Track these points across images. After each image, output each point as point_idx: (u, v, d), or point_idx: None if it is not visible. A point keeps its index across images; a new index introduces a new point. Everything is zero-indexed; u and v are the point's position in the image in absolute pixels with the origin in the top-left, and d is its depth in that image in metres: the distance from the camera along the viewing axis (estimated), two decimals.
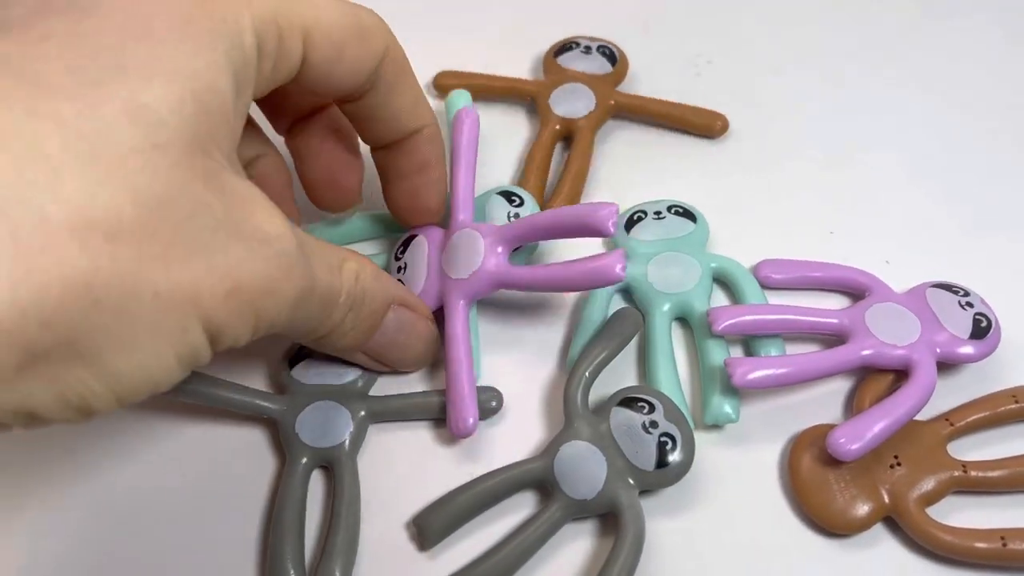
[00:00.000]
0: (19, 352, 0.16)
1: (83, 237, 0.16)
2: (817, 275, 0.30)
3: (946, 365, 0.27)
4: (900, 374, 0.27)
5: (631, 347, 0.29)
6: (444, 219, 0.30)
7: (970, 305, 0.28)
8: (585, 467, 0.25)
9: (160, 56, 0.18)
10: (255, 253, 0.19)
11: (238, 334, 0.19)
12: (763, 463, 0.26)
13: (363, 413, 0.27)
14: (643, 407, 0.25)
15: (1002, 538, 0.24)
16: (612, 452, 0.25)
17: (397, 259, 0.29)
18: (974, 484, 0.25)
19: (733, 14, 0.40)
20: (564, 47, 0.37)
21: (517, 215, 0.30)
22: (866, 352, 0.27)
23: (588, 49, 0.36)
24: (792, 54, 0.38)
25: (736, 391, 0.27)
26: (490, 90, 0.36)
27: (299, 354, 0.28)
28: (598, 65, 0.36)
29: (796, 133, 0.35)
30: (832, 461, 0.25)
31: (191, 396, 0.27)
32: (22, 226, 0.15)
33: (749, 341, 0.28)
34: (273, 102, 0.28)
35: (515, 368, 0.29)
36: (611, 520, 0.25)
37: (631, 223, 0.31)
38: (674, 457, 0.25)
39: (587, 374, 0.27)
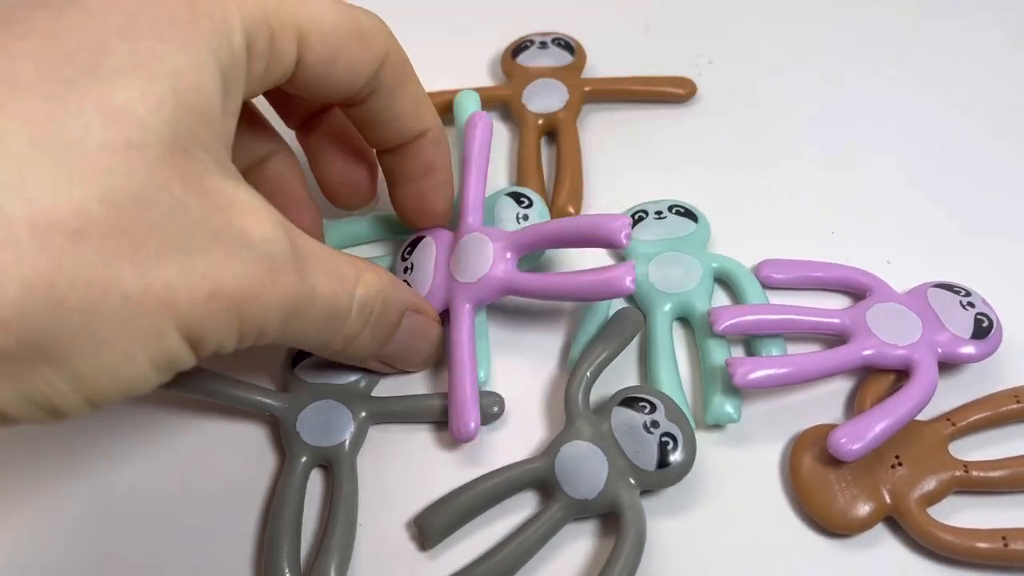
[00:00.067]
0: None
1: (44, 236, 0.16)
2: (818, 275, 0.30)
3: (947, 365, 0.27)
4: (901, 374, 0.27)
5: (632, 347, 0.29)
6: (452, 222, 0.29)
7: (971, 305, 0.28)
8: (586, 467, 0.25)
9: (141, 54, 0.18)
10: (237, 256, 0.19)
11: (222, 340, 0.19)
12: (764, 463, 0.26)
13: (364, 414, 0.27)
14: (644, 407, 0.25)
15: (1003, 538, 0.24)
16: (613, 452, 0.25)
17: (404, 259, 0.29)
18: (975, 484, 0.25)
19: (733, 14, 0.40)
20: (520, 47, 0.37)
21: (526, 216, 0.30)
22: (867, 352, 0.27)
23: (544, 44, 0.37)
24: (793, 54, 0.38)
25: (737, 391, 0.27)
26: None
27: (302, 352, 0.28)
28: (558, 58, 0.37)
29: (796, 133, 0.35)
30: (833, 461, 0.25)
31: (193, 391, 0.27)
32: None
33: (750, 341, 0.28)
34: (283, 100, 0.28)
35: (516, 368, 0.29)
36: (612, 520, 0.25)
37: (632, 223, 0.31)
38: (675, 457, 0.25)
39: (588, 374, 0.27)
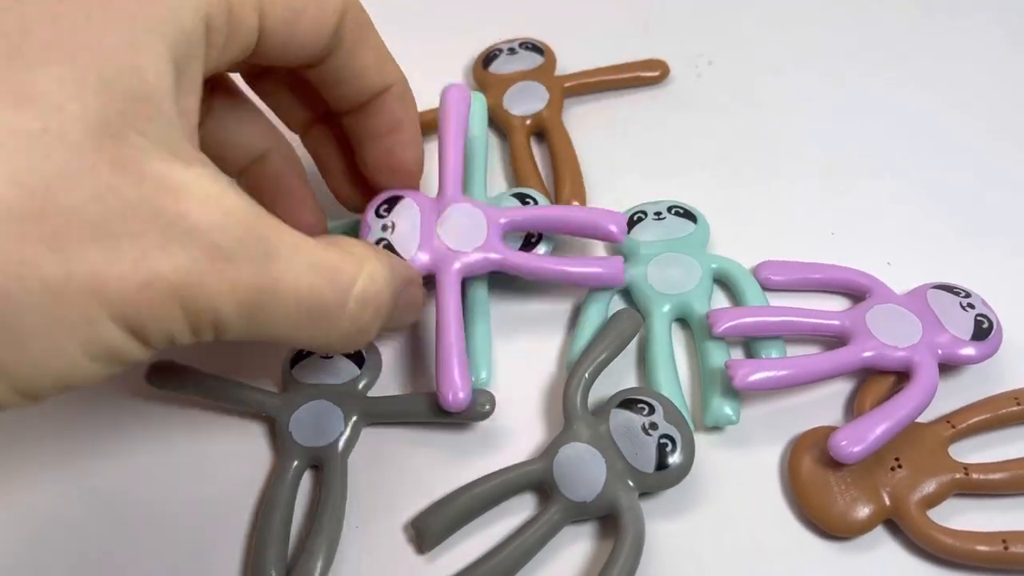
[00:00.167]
0: None
1: None
2: (818, 277, 0.30)
3: (948, 367, 0.27)
4: (901, 376, 0.27)
5: (631, 348, 0.29)
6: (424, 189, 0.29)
7: (972, 306, 0.27)
8: (584, 469, 0.25)
9: (65, 39, 0.17)
10: (177, 242, 0.17)
11: (171, 331, 0.18)
12: (763, 465, 0.26)
13: (357, 415, 0.27)
14: (643, 408, 0.25)
15: (1004, 541, 0.24)
16: (612, 454, 0.25)
17: (380, 216, 0.27)
18: (976, 486, 0.25)
19: (733, 14, 0.40)
20: (489, 56, 0.37)
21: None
22: (867, 354, 0.27)
23: (513, 50, 0.37)
24: (792, 54, 0.38)
25: (736, 393, 0.27)
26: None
27: (301, 352, 0.28)
28: (529, 61, 0.37)
29: (796, 133, 0.35)
30: (833, 463, 0.25)
31: (189, 390, 0.27)
32: None
33: (750, 342, 0.28)
34: (284, 103, 0.28)
35: (514, 369, 0.28)
36: (611, 522, 0.25)
37: (631, 224, 0.31)
38: (674, 459, 0.25)
39: (587, 375, 0.26)
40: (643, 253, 0.30)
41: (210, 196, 0.18)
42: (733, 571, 0.24)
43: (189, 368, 0.27)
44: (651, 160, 0.34)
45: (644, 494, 0.25)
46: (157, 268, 0.17)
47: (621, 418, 0.25)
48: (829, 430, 0.25)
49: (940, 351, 0.27)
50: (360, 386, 0.28)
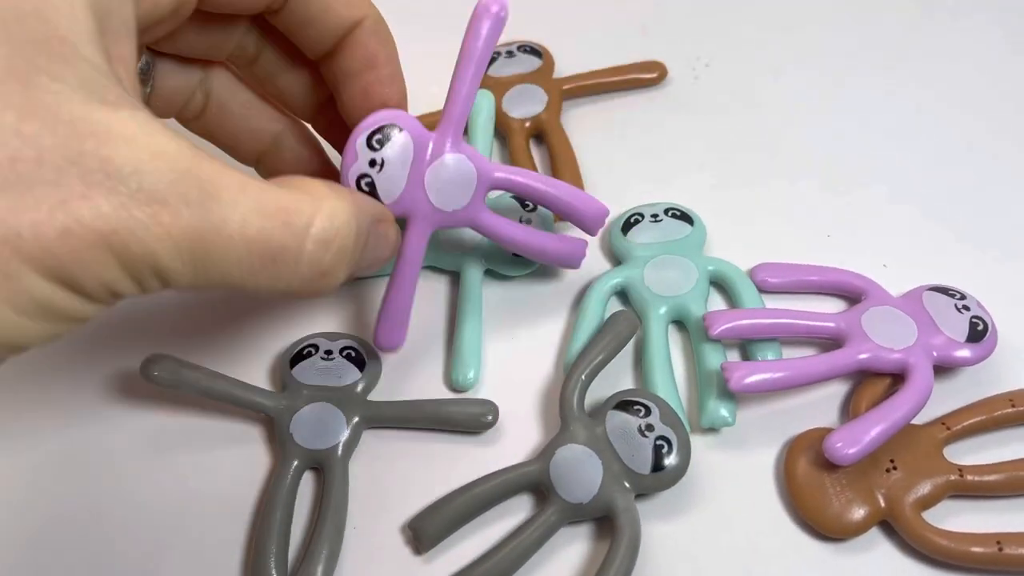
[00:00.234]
0: None
1: None
2: (813, 279, 0.30)
3: (943, 369, 0.27)
4: (897, 378, 0.27)
5: (628, 350, 0.29)
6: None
7: (967, 308, 0.27)
8: (581, 470, 0.25)
9: None
10: (100, 188, 0.17)
11: (108, 281, 0.17)
12: (759, 467, 0.26)
13: (358, 418, 0.27)
14: (639, 410, 0.25)
15: (998, 542, 0.24)
16: (608, 455, 0.25)
17: (372, 148, 0.25)
18: (970, 488, 0.25)
19: (731, 17, 0.40)
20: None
21: (529, 220, 0.30)
22: (863, 356, 0.27)
23: (511, 53, 0.37)
24: (790, 56, 0.38)
25: (732, 395, 0.27)
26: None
27: (300, 353, 0.28)
28: (527, 64, 0.37)
29: (793, 135, 0.35)
30: (828, 465, 0.25)
31: (189, 388, 0.27)
32: None
33: (746, 345, 0.28)
34: (288, 92, 0.28)
35: (511, 371, 0.29)
36: (607, 524, 0.25)
37: (628, 225, 0.31)
38: (670, 460, 0.25)
39: (583, 377, 0.27)
40: (640, 255, 0.30)
41: (137, 138, 0.17)
42: (729, 572, 0.25)
43: (185, 363, 0.27)
44: (649, 162, 0.35)
45: (640, 495, 0.25)
46: (77, 215, 0.16)
47: (617, 420, 0.25)
48: (825, 432, 0.25)
49: (935, 353, 0.27)
50: (360, 389, 0.28)
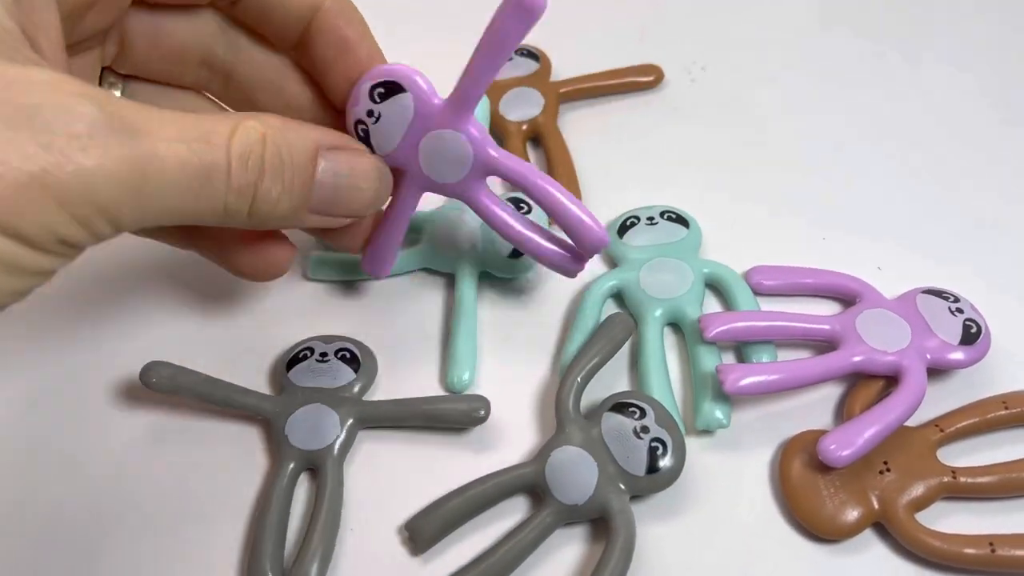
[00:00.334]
0: None
1: None
2: (808, 281, 0.30)
3: (936, 371, 0.27)
4: (890, 380, 0.27)
5: (624, 352, 0.29)
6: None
7: (960, 311, 0.28)
8: (576, 472, 0.25)
9: None
10: (24, 131, 0.17)
11: (52, 225, 0.17)
12: (754, 468, 0.27)
13: (353, 418, 0.27)
14: (634, 412, 0.26)
15: (991, 544, 0.24)
16: (603, 457, 0.25)
17: (373, 100, 0.25)
18: (963, 490, 0.25)
19: (727, 21, 0.40)
20: None
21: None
22: (857, 358, 0.27)
23: (508, 56, 0.37)
24: (785, 61, 0.38)
25: (727, 397, 0.27)
26: None
27: (296, 356, 0.28)
28: (525, 67, 0.37)
29: (789, 139, 0.35)
30: (822, 467, 0.25)
31: (186, 392, 0.27)
32: None
33: (741, 347, 0.28)
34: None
35: (507, 373, 0.29)
36: (602, 525, 0.25)
37: (624, 228, 0.31)
38: (665, 462, 0.25)
39: (579, 379, 0.27)
40: (636, 258, 0.30)
41: (55, 86, 0.18)
42: (723, 573, 0.25)
43: (184, 369, 0.27)
44: (645, 165, 0.35)
45: (635, 497, 0.25)
46: (4, 157, 0.16)
47: (613, 422, 0.26)
48: (819, 434, 0.25)
49: (929, 356, 0.27)
50: (356, 390, 0.28)
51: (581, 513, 0.25)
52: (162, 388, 0.27)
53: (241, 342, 0.30)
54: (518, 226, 0.27)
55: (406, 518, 0.26)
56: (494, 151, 0.26)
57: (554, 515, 0.25)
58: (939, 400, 0.27)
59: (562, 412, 0.26)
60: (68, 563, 0.25)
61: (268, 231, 0.27)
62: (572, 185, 0.33)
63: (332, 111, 0.27)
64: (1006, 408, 0.26)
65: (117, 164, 0.18)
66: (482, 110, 0.33)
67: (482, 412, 0.27)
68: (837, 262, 0.30)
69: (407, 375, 0.29)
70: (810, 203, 0.33)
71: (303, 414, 0.27)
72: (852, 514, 0.25)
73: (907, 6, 0.40)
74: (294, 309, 0.31)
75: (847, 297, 0.30)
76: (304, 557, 0.25)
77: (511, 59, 0.37)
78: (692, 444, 0.26)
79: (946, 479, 0.25)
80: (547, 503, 0.25)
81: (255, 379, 0.29)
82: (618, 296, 0.30)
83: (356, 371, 0.28)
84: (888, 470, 0.25)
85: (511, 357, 0.29)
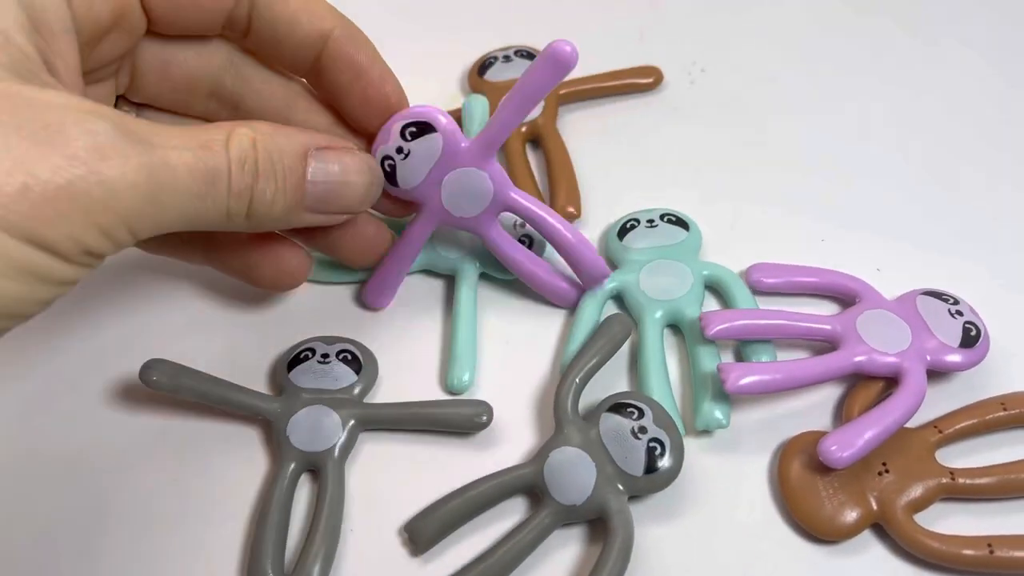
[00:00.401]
0: None
1: None
2: (807, 280, 0.30)
3: (936, 373, 0.27)
4: (890, 381, 0.27)
5: (623, 354, 0.29)
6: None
7: (960, 313, 0.28)
8: (574, 473, 0.25)
9: None
10: (49, 146, 0.18)
11: (79, 236, 0.18)
12: (753, 469, 0.27)
13: (354, 420, 0.27)
14: (632, 412, 0.26)
15: (989, 545, 0.24)
16: (601, 458, 0.25)
17: (404, 139, 0.27)
18: (962, 491, 0.25)
19: (727, 22, 0.40)
20: (485, 64, 0.37)
21: (524, 223, 0.30)
22: (857, 359, 0.27)
23: (508, 58, 0.37)
24: (785, 62, 0.38)
25: (727, 397, 0.27)
26: None
27: (297, 357, 0.28)
28: (524, 68, 0.37)
29: (788, 140, 0.35)
30: (821, 468, 0.25)
31: (188, 393, 0.27)
32: None
33: (740, 347, 0.28)
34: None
35: (506, 374, 0.29)
36: (600, 525, 0.25)
37: (624, 231, 0.31)
38: (663, 463, 0.25)
39: (577, 380, 0.27)
40: (635, 260, 0.30)
41: (70, 106, 0.19)
42: (722, 574, 0.25)
43: (185, 368, 0.27)
44: (644, 167, 0.35)
45: (633, 498, 0.25)
46: (32, 171, 0.17)
47: (611, 422, 0.26)
48: (818, 435, 0.25)
49: (928, 357, 0.27)
50: (357, 392, 0.28)
51: (579, 514, 0.25)
52: (162, 387, 0.27)
53: (241, 342, 0.30)
54: (523, 259, 0.29)
55: (406, 519, 0.26)
56: (513, 192, 0.28)
57: (553, 516, 0.25)
58: (938, 401, 0.27)
59: (560, 413, 0.26)
60: (68, 563, 0.26)
61: (285, 241, 0.28)
62: (571, 187, 0.33)
63: (352, 133, 0.28)
64: (1004, 409, 0.26)
65: (136, 173, 0.19)
66: (482, 112, 0.33)
67: (484, 418, 0.27)
68: (836, 264, 0.30)
69: (407, 375, 0.29)
70: (809, 205, 0.33)
71: (304, 415, 0.27)
72: (851, 515, 0.25)
73: (907, 7, 0.40)
74: (295, 310, 0.31)
75: (846, 297, 0.30)
76: (306, 558, 0.25)
77: (510, 60, 0.37)
78: (691, 445, 0.26)
79: (944, 480, 0.25)
80: (546, 504, 0.25)
81: (255, 379, 0.29)
82: (618, 298, 0.30)
83: (357, 373, 0.28)
84: (887, 471, 0.25)
85: (511, 358, 0.29)
